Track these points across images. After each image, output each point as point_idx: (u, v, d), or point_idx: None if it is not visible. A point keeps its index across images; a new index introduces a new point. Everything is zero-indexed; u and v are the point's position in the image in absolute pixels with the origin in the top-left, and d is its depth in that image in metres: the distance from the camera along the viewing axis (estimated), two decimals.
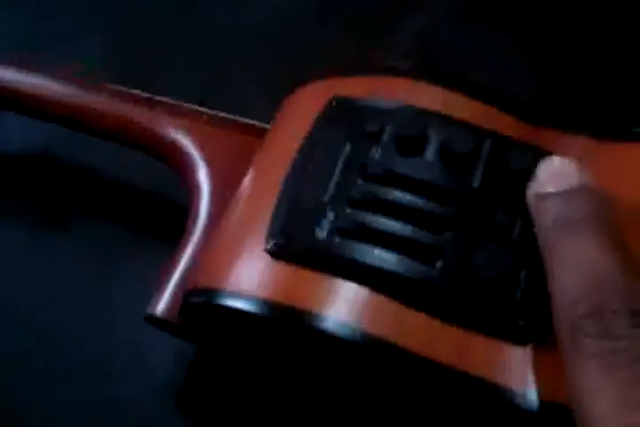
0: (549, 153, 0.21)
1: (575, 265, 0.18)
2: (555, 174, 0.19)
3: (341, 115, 0.22)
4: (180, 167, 0.28)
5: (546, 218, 0.19)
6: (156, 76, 0.37)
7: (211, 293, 0.21)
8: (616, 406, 0.16)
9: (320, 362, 0.21)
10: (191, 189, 0.27)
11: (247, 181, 0.23)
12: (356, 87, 0.22)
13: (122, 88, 0.31)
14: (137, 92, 0.31)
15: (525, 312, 0.19)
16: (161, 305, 0.25)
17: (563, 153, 0.20)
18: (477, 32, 0.38)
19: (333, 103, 0.22)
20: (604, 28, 0.38)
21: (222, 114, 0.29)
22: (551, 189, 0.19)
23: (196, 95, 0.32)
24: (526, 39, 0.38)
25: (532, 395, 0.18)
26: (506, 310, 0.19)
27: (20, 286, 0.33)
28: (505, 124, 0.21)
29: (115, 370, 0.31)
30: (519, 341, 0.19)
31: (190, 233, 0.26)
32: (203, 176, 0.27)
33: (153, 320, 0.25)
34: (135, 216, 0.35)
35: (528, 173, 0.20)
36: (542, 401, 0.18)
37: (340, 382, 0.23)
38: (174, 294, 0.25)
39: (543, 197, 0.19)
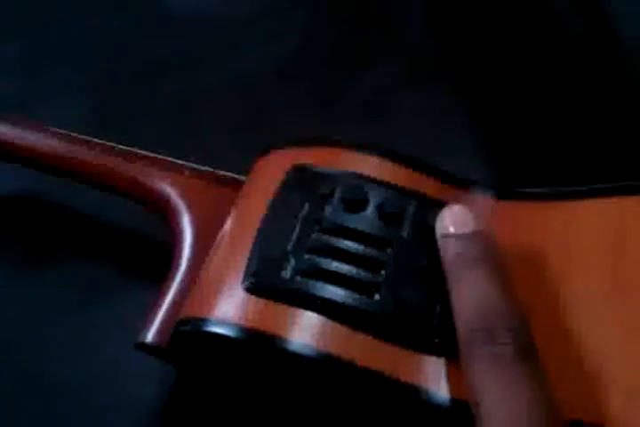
0: None
1: (471, 293, 0.23)
2: (455, 219, 0.25)
3: (300, 180, 0.28)
4: (165, 214, 0.32)
5: (448, 254, 0.25)
6: (136, 129, 0.40)
7: (198, 321, 0.26)
8: (501, 398, 0.21)
9: (286, 379, 0.27)
10: (175, 232, 0.31)
11: (226, 231, 0.29)
12: (311, 156, 0.28)
13: (110, 143, 0.34)
14: (124, 147, 0.34)
15: (440, 333, 0.25)
16: (150, 334, 0.29)
17: (470, 208, 0.27)
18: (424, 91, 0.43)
19: (293, 171, 0.28)
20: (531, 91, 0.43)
21: (202, 167, 0.33)
22: (452, 231, 0.25)
23: (173, 146, 0.34)
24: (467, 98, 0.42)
25: (445, 394, 0.24)
26: (426, 332, 0.25)
27: (5, 320, 0.35)
28: (426, 185, 0.27)
29: (98, 403, 0.33)
30: (437, 353, 0.25)
31: (176, 270, 0.30)
32: (185, 222, 0.31)
33: (143, 347, 0.29)
34: (117, 257, 0.37)
35: None
36: (453, 399, 0.24)
37: (301, 397, 0.28)
38: (162, 324, 0.29)
39: (446, 236, 0.25)
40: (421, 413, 0.24)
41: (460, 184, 0.28)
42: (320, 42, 0.46)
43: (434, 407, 0.24)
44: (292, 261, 0.26)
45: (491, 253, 0.24)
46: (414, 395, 0.24)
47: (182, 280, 0.30)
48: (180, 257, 0.31)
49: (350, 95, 0.43)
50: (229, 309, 0.26)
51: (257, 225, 0.27)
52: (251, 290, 0.26)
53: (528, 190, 0.28)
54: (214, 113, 0.42)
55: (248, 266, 0.26)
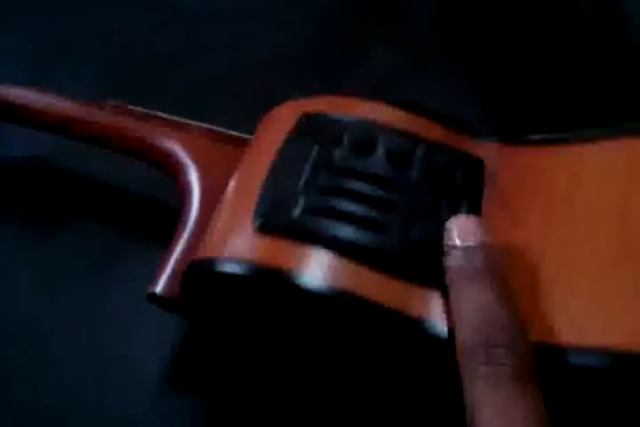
0: (467, 153, 0.27)
1: (471, 306, 0.23)
2: (461, 229, 0.25)
3: (310, 126, 0.28)
4: (173, 173, 0.33)
5: (451, 265, 0.24)
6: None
7: (208, 261, 0.26)
8: (497, 417, 0.21)
9: (295, 318, 0.27)
10: (183, 190, 0.32)
11: (236, 176, 0.29)
12: (319, 106, 0.29)
13: (122, 104, 0.35)
14: (134, 107, 0.35)
15: None
16: (161, 285, 0.29)
17: (475, 153, 0.27)
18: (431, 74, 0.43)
19: (303, 117, 0.29)
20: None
21: (212, 126, 0.34)
22: (458, 243, 0.25)
23: None
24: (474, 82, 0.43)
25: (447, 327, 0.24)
26: (433, 267, 0.25)
27: (17, 282, 0.36)
28: (434, 131, 0.28)
29: (107, 366, 0.33)
30: (443, 288, 0.25)
31: (184, 224, 0.31)
32: (193, 179, 0.32)
33: (154, 298, 0.29)
34: (129, 222, 0.37)
35: (450, 168, 0.27)
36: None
37: (309, 340, 0.29)
38: (172, 275, 0.29)
39: (451, 248, 0.25)
40: (428, 346, 0.24)
41: (467, 131, 0.28)
42: (328, 28, 0.46)
43: (441, 341, 0.24)
44: (302, 201, 0.26)
45: (494, 266, 0.24)
46: (421, 328, 0.24)
47: (191, 235, 0.30)
48: (188, 213, 0.31)
49: (357, 80, 0.44)
50: (240, 248, 0.26)
51: (267, 169, 0.28)
52: (261, 229, 0.26)
53: (534, 136, 0.28)
54: (225, 100, 0.43)
55: (258, 207, 0.27)
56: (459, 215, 0.25)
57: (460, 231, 0.25)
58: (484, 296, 0.23)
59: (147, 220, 0.38)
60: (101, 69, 0.44)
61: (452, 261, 0.25)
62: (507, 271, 0.24)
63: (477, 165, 0.28)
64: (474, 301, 0.23)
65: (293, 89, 0.42)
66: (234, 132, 0.33)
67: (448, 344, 0.24)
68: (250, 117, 0.40)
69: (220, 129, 0.34)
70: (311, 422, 0.32)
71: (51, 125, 0.35)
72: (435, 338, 0.24)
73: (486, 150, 0.28)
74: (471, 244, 0.25)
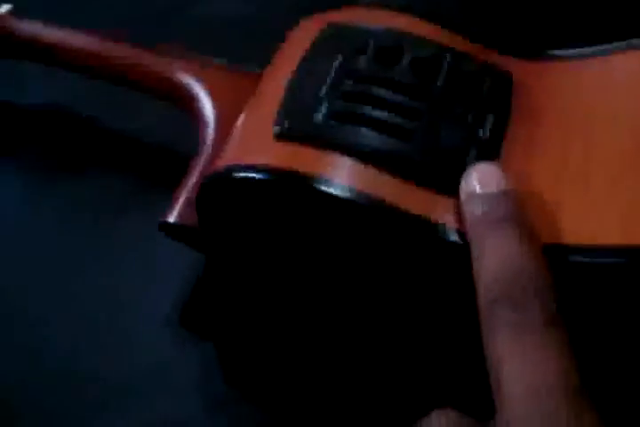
0: (494, 65, 0.27)
1: (495, 255, 0.21)
2: (482, 177, 0.24)
3: (334, 35, 0.27)
4: (189, 106, 0.32)
5: (472, 214, 0.23)
6: None
7: (228, 169, 0.25)
8: (523, 367, 0.19)
9: (318, 226, 0.26)
10: (200, 121, 0.31)
11: (257, 91, 0.28)
12: (344, 17, 0.28)
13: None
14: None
15: None
16: (174, 213, 0.29)
17: (500, 66, 0.26)
18: None
19: (327, 28, 0.28)
20: None
21: (229, 63, 0.33)
22: (478, 190, 0.23)
23: None
24: None
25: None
26: (457, 176, 0.24)
27: (36, 231, 0.36)
28: (460, 43, 0.27)
29: (118, 311, 0.33)
30: None
31: (200, 154, 0.30)
32: (209, 111, 0.31)
33: (167, 228, 0.29)
34: (143, 171, 0.37)
35: (478, 75, 0.26)
36: None
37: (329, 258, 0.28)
38: (186, 203, 0.29)
39: (471, 196, 0.23)
40: (449, 253, 0.24)
41: (496, 45, 0.28)
42: None
43: (462, 247, 0.23)
44: (325, 106, 0.25)
45: (518, 214, 0.23)
46: (443, 234, 0.23)
47: (205, 163, 0.30)
48: (203, 141, 0.31)
49: None
50: (259, 154, 0.25)
51: (289, 78, 0.27)
52: (282, 135, 0.25)
53: (557, 51, 0.27)
54: (232, 45, 0.42)
55: (278, 113, 0.26)
56: (479, 163, 0.24)
57: (480, 178, 0.24)
58: (508, 247, 0.22)
59: (162, 167, 0.38)
60: (112, 14, 0.44)
61: (474, 210, 0.23)
62: (530, 220, 0.23)
63: (505, 77, 0.27)
64: (498, 249, 0.22)
65: None
66: (251, 68, 0.32)
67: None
68: (261, 64, 0.41)
69: (238, 65, 0.33)
70: (326, 366, 0.31)
71: (64, 59, 0.35)
72: (455, 244, 0.23)
73: (513, 65, 0.27)
74: (493, 190, 0.23)
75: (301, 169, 0.24)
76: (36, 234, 0.36)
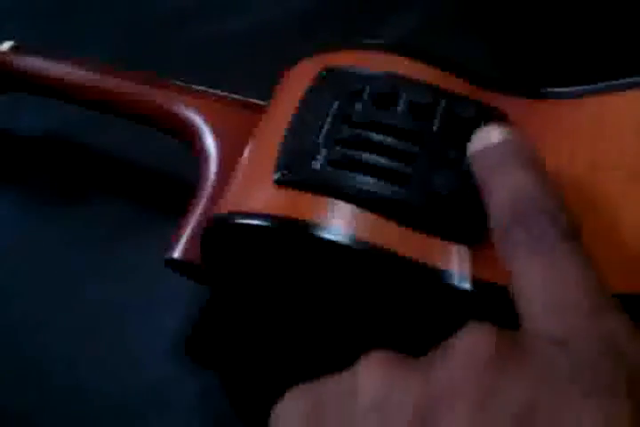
0: (490, 107, 0.27)
1: (505, 184, 0.22)
2: (481, 136, 0.24)
3: (330, 80, 0.28)
4: (190, 140, 0.33)
5: (477, 165, 0.24)
6: None
7: (228, 215, 0.26)
8: (542, 282, 0.19)
9: (316, 270, 0.27)
10: (200, 156, 0.32)
11: (255, 134, 0.29)
12: (341, 59, 0.28)
13: (139, 71, 0.35)
14: (153, 74, 0.35)
15: (471, 221, 0.25)
16: (179, 248, 0.29)
17: (499, 107, 0.27)
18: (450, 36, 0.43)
19: (324, 72, 0.28)
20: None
21: (228, 94, 0.33)
22: (479, 148, 0.24)
23: None
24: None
25: (474, 278, 0.24)
26: (456, 220, 0.25)
27: (31, 253, 0.36)
28: (457, 85, 0.27)
29: (123, 336, 0.33)
30: (466, 241, 0.25)
31: (202, 189, 0.30)
32: (211, 145, 0.32)
33: (172, 263, 0.29)
34: (144, 195, 0.37)
35: (473, 121, 0.26)
36: (482, 282, 0.24)
37: (329, 297, 0.28)
38: (189, 239, 0.29)
39: (474, 153, 0.24)
40: (451, 298, 0.24)
41: (491, 84, 0.28)
42: None
43: (463, 292, 0.24)
44: (323, 153, 0.26)
45: (522, 148, 0.23)
46: (441, 279, 0.24)
47: (208, 199, 0.30)
48: (205, 177, 0.31)
49: None
50: (260, 201, 0.26)
51: (287, 123, 0.27)
52: (281, 182, 0.26)
53: (558, 89, 0.28)
54: (235, 62, 0.42)
55: (278, 160, 0.26)
56: (479, 128, 0.24)
57: (483, 137, 0.24)
58: (519, 173, 0.22)
59: (161, 193, 0.38)
60: (113, 28, 0.44)
61: (483, 158, 0.23)
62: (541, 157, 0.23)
63: (501, 118, 0.27)
64: (506, 184, 0.22)
65: (306, 54, 0.42)
66: (250, 99, 0.33)
67: (470, 296, 0.24)
68: (262, 81, 0.40)
69: (237, 96, 0.33)
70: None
71: (64, 94, 0.35)
72: (455, 289, 0.24)
73: (509, 104, 0.28)
74: (495, 140, 0.23)
75: (301, 216, 0.25)
76: (35, 260, 0.36)
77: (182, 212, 0.31)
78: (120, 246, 0.36)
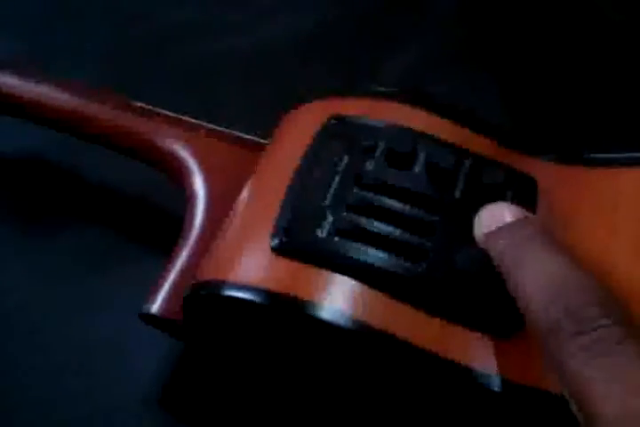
0: (518, 171, 0.24)
1: (537, 273, 0.19)
2: (494, 214, 0.22)
3: (340, 131, 0.24)
4: (178, 176, 0.30)
5: (495, 248, 0.21)
6: (151, 97, 0.36)
7: (216, 284, 0.23)
8: (612, 389, 0.17)
9: (313, 353, 0.24)
10: (187, 196, 0.29)
11: (251, 187, 0.25)
12: (352, 107, 0.25)
13: (124, 98, 0.32)
14: (139, 103, 0.32)
15: (496, 307, 0.22)
16: (157, 304, 0.26)
17: (528, 172, 0.24)
18: (453, 71, 0.41)
19: (332, 120, 0.25)
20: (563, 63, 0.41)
21: (220, 128, 0.31)
22: (493, 228, 0.21)
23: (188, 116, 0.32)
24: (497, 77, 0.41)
25: (496, 376, 0.21)
26: (479, 306, 0.22)
27: (8, 284, 0.34)
28: (481, 145, 0.24)
29: (100, 375, 0.31)
30: (490, 331, 0.21)
31: (186, 237, 0.27)
32: (199, 184, 0.28)
33: (147, 318, 0.26)
34: (126, 225, 0.35)
35: (500, 187, 0.23)
36: (506, 381, 0.21)
37: (327, 376, 0.25)
38: (169, 293, 0.26)
39: (488, 234, 0.22)
40: (469, 395, 0.21)
41: (519, 145, 0.25)
42: (344, 18, 0.44)
43: (484, 390, 0.21)
44: (329, 219, 0.23)
45: (545, 231, 0.21)
46: (460, 375, 0.21)
47: (192, 248, 0.27)
48: (191, 222, 0.28)
49: (372, 75, 0.41)
50: (253, 270, 0.23)
51: (288, 178, 0.24)
52: (279, 250, 0.22)
53: (593, 155, 0.25)
54: (232, 84, 0.40)
55: (277, 222, 0.23)
56: (486, 205, 0.22)
57: (491, 216, 0.22)
58: (549, 260, 0.19)
59: (144, 221, 0.36)
60: (105, 46, 0.42)
61: (497, 242, 0.21)
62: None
63: (529, 184, 0.24)
64: (539, 267, 0.19)
65: (304, 79, 0.40)
66: (245, 135, 0.30)
67: (491, 394, 0.21)
68: (257, 104, 0.39)
69: (230, 131, 0.31)
70: None
71: (47, 120, 0.32)
72: (478, 387, 0.21)
73: (539, 168, 0.25)
74: (508, 219, 0.21)
75: (300, 294, 0.22)
76: (8, 288, 0.34)
77: (164, 243, 0.29)
78: (95, 281, 0.34)
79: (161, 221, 0.35)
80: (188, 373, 0.31)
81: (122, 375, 0.31)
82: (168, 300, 0.26)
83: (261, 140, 0.30)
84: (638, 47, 0.42)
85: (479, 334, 0.21)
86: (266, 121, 0.29)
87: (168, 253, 0.28)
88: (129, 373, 0.31)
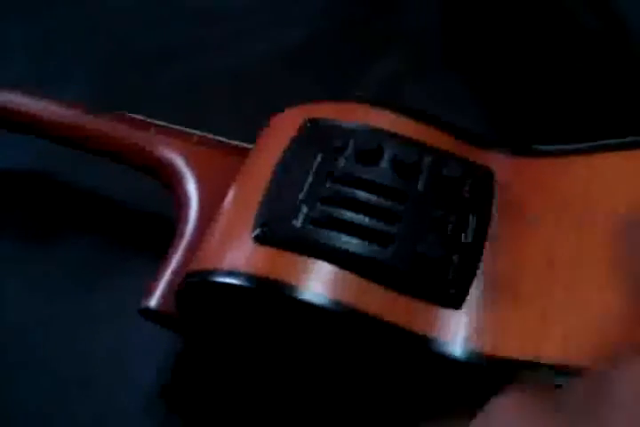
0: (477, 165, 0.26)
1: None
2: None
3: (313, 132, 0.27)
4: (170, 182, 0.32)
5: None
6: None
7: (207, 272, 0.25)
8: None
9: (296, 332, 0.26)
10: (179, 200, 0.31)
11: (235, 185, 0.28)
12: (324, 111, 0.28)
13: (119, 111, 0.34)
14: (133, 115, 0.34)
15: (455, 284, 0.24)
16: (155, 298, 0.28)
17: (485, 164, 0.26)
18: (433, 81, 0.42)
19: (307, 124, 0.27)
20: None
21: (210, 135, 0.33)
22: None
23: None
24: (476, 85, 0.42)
25: (460, 346, 0.23)
26: (441, 283, 0.24)
27: (6, 296, 0.34)
28: (443, 141, 0.27)
29: (100, 383, 0.32)
30: (451, 306, 0.24)
31: (180, 238, 0.29)
32: (191, 189, 0.31)
33: (147, 313, 0.28)
34: (122, 235, 0.36)
35: (459, 179, 0.26)
36: (468, 350, 0.23)
37: (309, 355, 0.28)
38: (166, 289, 0.28)
39: None
40: (435, 365, 0.23)
41: (477, 141, 0.27)
42: (328, 30, 0.45)
43: (448, 359, 0.23)
44: (304, 210, 0.25)
45: None
46: (427, 346, 0.23)
47: (187, 247, 0.29)
48: (184, 225, 0.30)
49: (357, 84, 0.42)
50: (239, 259, 0.25)
51: (268, 177, 0.26)
52: (261, 239, 0.25)
53: (544, 147, 0.27)
54: (221, 101, 0.41)
55: (258, 216, 0.25)
56: None
57: None
58: None
59: (140, 231, 0.37)
60: (95, 66, 0.43)
61: None
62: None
63: (487, 176, 0.27)
64: None
65: (292, 92, 0.42)
66: (234, 142, 0.32)
67: (454, 363, 0.23)
68: (247, 119, 0.39)
69: (220, 138, 0.33)
70: None
71: (45, 132, 0.34)
72: (440, 356, 0.23)
73: (497, 161, 0.27)
74: None
75: (280, 277, 0.24)
76: (8, 299, 0.35)
77: (159, 252, 0.30)
78: (95, 290, 0.35)
79: (158, 231, 0.36)
80: (188, 381, 0.32)
81: (122, 385, 0.32)
82: (165, 295, 0.28)
83: (249, 146, 0.31)
84: (615, 54, 0.44)
85: (441, 308, 0.24)
86: (254, 134, 0.30)
87: None
88: (129, 383, 0.32)
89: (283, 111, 0.30)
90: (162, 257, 0.29)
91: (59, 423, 0.31)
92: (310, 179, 0.26)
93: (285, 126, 0.28)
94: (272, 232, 0.25)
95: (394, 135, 0.26)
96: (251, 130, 0.31)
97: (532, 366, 0.22)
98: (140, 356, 0.32)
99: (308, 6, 0.46)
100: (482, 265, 0.25)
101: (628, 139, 0.26)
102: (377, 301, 0.24)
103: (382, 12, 0.46)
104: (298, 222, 0.25)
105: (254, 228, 0.25)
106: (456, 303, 0.24)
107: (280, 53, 0.43)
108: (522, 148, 0.28)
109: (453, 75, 0.43)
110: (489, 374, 0.22)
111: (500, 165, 0.27)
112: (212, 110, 0.41)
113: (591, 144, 0.26)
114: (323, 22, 0.45)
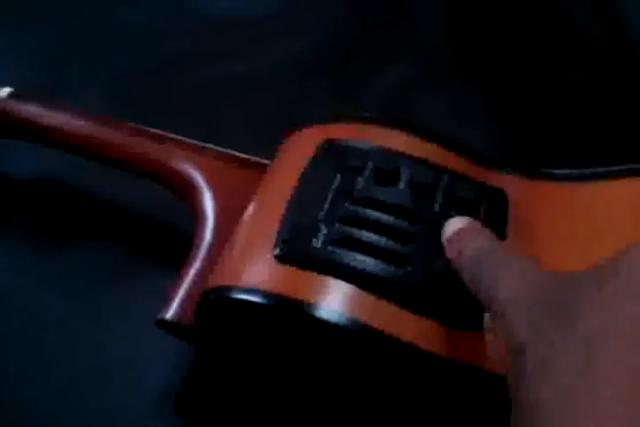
0: (491, 187, 0.27)
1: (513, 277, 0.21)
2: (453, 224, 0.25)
3: (331, 153, 0.28)
4: (187, 196, 0.32)
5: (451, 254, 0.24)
6: (156, 122, 0.37)
7: (225, 289, 0.26)
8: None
9: (311, 348, 0.27)
10: (197, 214, 0.32)
11: (255, 202, 0.29)
12: (342, 132, 0.28)
13: (137, 125, 0.35)
14: (152, 129, 0.34)
15: (469, 306, 0.24)
16: (171, 311, 0.29)
17: (499, 186, 0.27)
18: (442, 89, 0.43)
19: (325, 144, 0.28)
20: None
21: (227, 150, 0.33)
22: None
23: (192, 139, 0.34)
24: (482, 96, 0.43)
25: (473, 367, 0.24)
26: (455, 305, 0.25)
27: (23, 299, 0.35)
28: (456, 163, 0.28)
29: (112, 386, 0.32)
30: (465, 327, 0.25)
31: (197, 250, 0.30)
32: (208, 203, 0.31)
33: (163, 324, 0.29)
34: (135, 242, 0.37)
35: (474, 202, 0.26)
36: (480, 371, 0.24)
37: (323, 373, 0.28)
38: (182, 301, 0.29)
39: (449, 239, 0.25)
40: (447, 383, 0.24)
41: (492, 163, 0.28)
42: (341, 39, 0.46)
43: (462, 379, 0.24)
44: (324, 230, 0.26)
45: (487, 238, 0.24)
46: (440, 365, 0.24)
47: (204, 260, 0.30)
48: (201, 237, 0.31)
49: (370, 92, 0.43)
50: (258, 276, 0.26)
51: (288, 196, 0.27)
52: (281, 258, 0.26)
53: (556, 171, 0.28)
54: (234, 107, 0.42)
55: (279, 234, 0.26)
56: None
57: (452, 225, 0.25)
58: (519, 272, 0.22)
59: (152, 237, 0.37)
60: (110, 73, 0.43)
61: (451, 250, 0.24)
62: None
63: (501, 198, 0.27)
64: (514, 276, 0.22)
65: (304, 99, 0.42)
66: (251, 157, 0.33)
67: (466, 383, 0.24)
68: (259, 125, 0.41)
69: (237, 153, 0.33)
70: None
71: (64, 144, 0.35)
72: (455, 377, 0.24)
73: (509, 183, 0.28)
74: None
75: (300, 296, 0.25)
76: (22, 304, 0.35)
77: (174, 259, 0.30)
78: (107, 295, 0.35)
79: (169, 238, 0.37)
80: (200, 384, 0.32)
81: (133, 386, 0.32)
82: (181, 307, 0.29)
83: (263, 161, 0.32)
84: (619, 63, 0.44)
85: (457, 330, 0.24)
86: (266, 140, 0.31)
87: (177, 267, 0.30)
88: (140, 383, 0.32)
89: (295, 120, 0.30)
90: (173, 262, 0.30)
91: (69, 423, 0.32)
92: (329, 199, 0.26)
93: (304, 145, 0.29)
94: (292, 252, 0.26)
95: (410, 157, 0.27)
96: (263, 136, 0.32)
97: None
98: (152, 357, 0.33)
99: (320, 15, 0.47)
100: None
101: (627, 166, 0.26)
102: (391, 319, 0.24)
103: (393, 22, 0.47)
104: (318, 242, 0.26)
105: (275, 246, 0.26)
106: (469, 325, 0.25)
107: (293, 61, 0.44)
108: (533, 170, 0.28)
109: (461, 83, 0.44)
110: None
111: (512, 186, 0.28)
112: (225, 117, 0.42)
113: (600, 170, 0.27)
114: (334, 31, 0.46)
